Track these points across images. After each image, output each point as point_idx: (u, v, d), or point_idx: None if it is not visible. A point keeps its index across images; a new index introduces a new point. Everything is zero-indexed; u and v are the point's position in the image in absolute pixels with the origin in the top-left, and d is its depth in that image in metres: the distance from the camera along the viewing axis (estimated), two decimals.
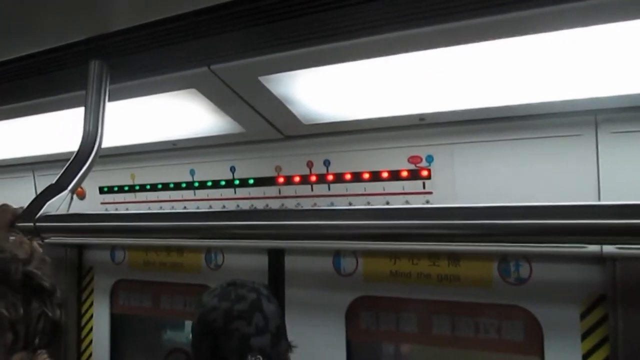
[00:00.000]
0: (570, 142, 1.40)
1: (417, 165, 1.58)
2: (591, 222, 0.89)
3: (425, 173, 1.57)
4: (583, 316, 1.58)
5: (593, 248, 1.40)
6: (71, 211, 1.30)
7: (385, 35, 1.17)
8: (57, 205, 1.20)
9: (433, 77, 1.33)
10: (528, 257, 1.64)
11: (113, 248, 2.52)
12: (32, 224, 1.12)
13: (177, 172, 2.02)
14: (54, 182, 1.23)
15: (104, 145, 1.40)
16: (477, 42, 1.16)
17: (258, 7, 1.17)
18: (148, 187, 2.11)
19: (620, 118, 1.33)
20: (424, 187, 1.58)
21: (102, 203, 2.27)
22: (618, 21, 1.03)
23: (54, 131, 1.96)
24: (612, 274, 1.48)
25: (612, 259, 1.46)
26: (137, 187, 2.14)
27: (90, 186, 2.27)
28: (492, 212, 0.94)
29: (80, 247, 2.63)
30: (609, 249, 1.39)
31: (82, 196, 2.30)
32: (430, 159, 1.57)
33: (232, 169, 1.90)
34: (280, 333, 1.28)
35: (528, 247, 1.52)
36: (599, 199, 1.36)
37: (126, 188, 2.17)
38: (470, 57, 1.22)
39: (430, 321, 1.82)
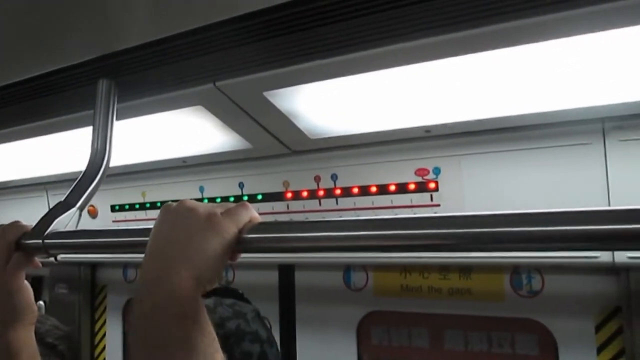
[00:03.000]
0: (579, 150, 1.38)
1: (424, 177, 1.58)
2: (602, 227, 0.87)
3: (432, 185, 1.57)
4: (598, 328, 1.55)
5: (605, 258, 1.38)
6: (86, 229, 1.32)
7: (389, 48, 1.17)
8: (65, 222, 1.21)
9: (438, 89, 1.33)
10: (540, 269, 1.62)
11: (125, 266, 2.54)
12: (40, 240, 1.12)
13: (187, 189, 2.04)
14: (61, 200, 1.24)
15: (114, 163, 1.42)
16: (481, 51, 1.15)
17: (262, 23, 1.18)
18: (158, 204, 2.13)
19: (628, 125, 1.32)
20: (431, 200, 1.57)
21: (113, 221, 2.29)
22: (624, 27, 1.02)
23: (65, 150, 1.98)
24: (626, 285, 1.45)
25: (626, 269, 1.44)
26: (148, 205, 2.16)
27: (102, 204, 2.30)
28: (502, 220, 0.92)
29: (93, 266, 2.65)
30: (621, 258, 1.36)
31: (94, 215, 2.33)
32: (437, 171, 1.56)
33: (241, 185, 1.91)
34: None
35: (540, 258, 1.50)
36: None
37: (137, 206, 2.19)
38: (474, 67, 1.22)
39: (442, 336, 1.80)
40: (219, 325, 1.24)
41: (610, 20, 1.01)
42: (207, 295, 1.41)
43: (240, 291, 1.44)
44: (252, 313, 1.30)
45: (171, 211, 0.79)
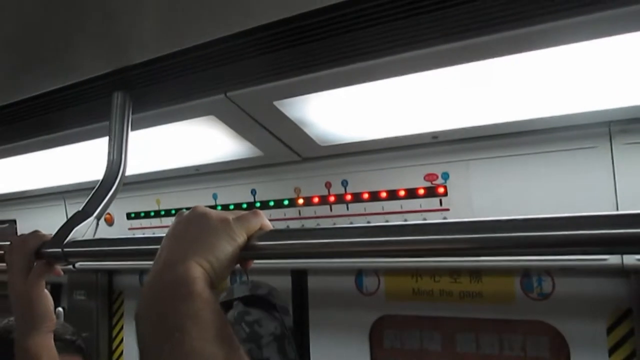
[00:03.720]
0: (585, 154, 1.39)
1: (433, 182, 1.60)
2: (609, 232, 0.88)
3: (441, 190, 1.59)
4: (609, 330, 1.55)
5: (614, 260, 1.38)
6: (100, 237, 1.36)
7: (395, 57, 1.19)
8: (83, 231, 1.25)
9: (444, 95, 1.35)
10: (550, 272, 1.63)
11: (141, 272, 2.59)
12: (60, 249, 1.16)
13: (201, 197, 2.07)
14: (80, 209, 1.29)
15: (129, 172, 1.46)
16: (488, 59, 1.17)
17: (271, 36, 1.21)
18: (173, 212, 2.17)
19: (633, 129, 1.32)
20: (440, 204, 1.59)
21: (129, 229, 2.33)
22: (629, 32, 1.03)
23: (83, 160, 2.03)
24: (637, 288, 1.46)
25: (636, 272, 1.44)
26: (163, 212, 2.20)
27: (118, 213, 2.35)
28: (511, 225, 0.94)
29: (110, 273, 2.70)
30: (630, 261, 1.37)
31: (110, 222, 2.38)
32: (446, 176, 1.58)
33: (253, 192, 1.95)
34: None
35: (550, 261, 1.51)
36: (617, 211, 1.35)
37: (152, 213, 2.24)
38: (481, 73, 1.23)
39: (454, 339, 1.81)
40: None
41: (615, 27, 1.02)
42: (240, 300, 1.44)
43: (274, 301, 1.45)
44: (269, 337, 1.30)
45: (185, 216, 0.84)
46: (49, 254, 1.17)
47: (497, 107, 1.38)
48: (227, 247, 0.78)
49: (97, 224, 1.29)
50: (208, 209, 0.84)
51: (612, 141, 1.36)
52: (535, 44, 1.10)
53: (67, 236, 1.20)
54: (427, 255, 0.80)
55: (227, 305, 1.45)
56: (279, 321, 1.38)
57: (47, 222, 2.20)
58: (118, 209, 2.34)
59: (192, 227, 0.80)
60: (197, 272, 0.73)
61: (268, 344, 1.29)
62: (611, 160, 1.36)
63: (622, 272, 1.47)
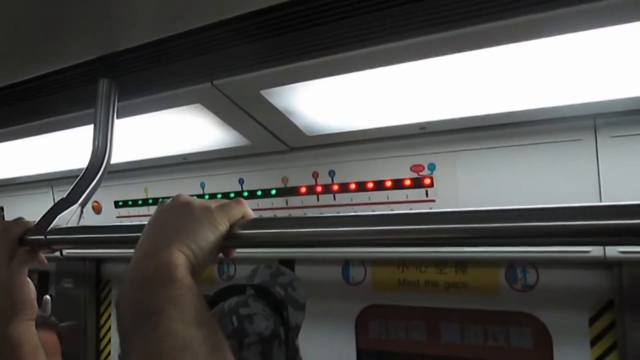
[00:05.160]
0: (571, 147, 1.40)
1: (420, 173, 1.60)
2: (593, 223, 0.89)
3: (427, 181, 1.59)
4: (592, 322, 1.57)
5: (596, 252, 1.40)
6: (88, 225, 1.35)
7: (383, 46, 1.18)
8: (67, 218, 1.24)
9: (432, 86, 1.35)
10: (534, 264, 1.64)
11: (129, 261, 2.58)
12: (43, 236, 1.16)
13: (188, 185, 2.07)
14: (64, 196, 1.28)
15: (117, 160, 1.45)
16: (474, 50, 1.17)
17: (258, 23, 1.21)
18: (161, 200, 2.16)
19: (619, 122, 1.33)
20: (426, 195, 1.60)
21: (117, 217, 2.33)
22: (615, 24, 1.03)
23: (70, 148, 2.02)
24: (618, 280, 1.47)
25: (618, 264, 1.46)
26: (151, 201, 2.20)
27: (106, 201, 2.34)
28: (496, 215, 0.94)
29: (98, 261, 2.70)
30: (612, 253, 1.38)
31: (98, 211, 2.37)
32: (432, 167, 1.58)
33: (241, 181, 1.94)
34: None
35: (534, 253, 1.52)
36: (600, 202, 1.36)
37: (140, 202, 2.23)
38: (468, 64, 1.23)
39: (438, 329, 1.83)
40: None
41: (602, 19, 1.02)
42: (235, 290, 1.39)
43: (280, 297, 1.38)
44: (254, 337, 1.23)
45: (167, 204, 0.84)
46: (32, 240, 1.16)
47: (485, 99, 1.39)
48: (209, 235, 0.78)
49: (82, 212, 1.29)
50: (190, 197, 0.84)
51: (597, 134, 1.37)
52: (522, 35, 1.10)
53: (50, 223, 1.20)
54: (412, 245, 0.80)
55: (239, 289, 1.40)
56: (276, 319, 1.30)
57: (34, 209, 2.18)
58: (106, 197, 2.32)
59: (175, 215, 0.80)
60: (180, 259, 0.73)
61: (250, 344, 1.23)
62: (595, 153, 1.37)
63: (604, 264, 1.48)
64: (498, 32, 1.09)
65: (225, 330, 1.22)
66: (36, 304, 1.19)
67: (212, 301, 1.38)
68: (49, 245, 1.16)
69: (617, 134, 1.34)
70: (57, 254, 2.47)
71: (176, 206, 0.82)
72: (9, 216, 2.81)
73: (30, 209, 2.36)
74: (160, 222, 0.81)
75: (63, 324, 2.53)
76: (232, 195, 1.97)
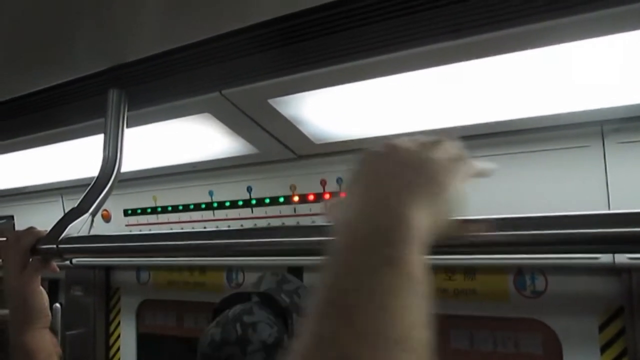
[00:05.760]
0: (578, 153, 1.40)
1: None
2: (601, 231, 0.89)
3: None
4: (601, 328, 1.56)
5: (605, 259, 1.39)
6: (98, 233, 1.37)
7: (391, 55, 1.19)
8: (78, 227, 1.26)
9: (439, 94, 1.36)
10: (543, 270, 1.64)
11: (138, 269, 2.60)
12: (54, 245, 1.17)
13: (197, 194, 2.08)
14: (75, 206, 1.30)
15: (126, 169, 1.47)
16: (481, 58, 1.17)
17: (266, 34, 1.22)
18: (169, 208, 2.18)
19: (626, 128, 1.33)
20: None
21: (127, 225, 2.34)
22: (622, 32, 1.04)
23: (81, 157, 2.04)
24: (628, 286, 1.46)
25: (627, 270, 1.45)
26: (159, 209, 2.21)
27: (116, 209, 2.35)
28: (504, 223, 0.95)
29: (107, 269, 2.71)
30: (621, 259, 1.38)
31: (107, 219, 2.39)
32: None
33: (249, 189, 1.95)
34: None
35: (542, 259, 1.52)
36: (609, 210, 1.36)
37: (149, 210, 2.24)
38: (474, 72, 1.24)
39: (447, 335, 1.82)
40: (216, 346, 1.23)
41: (609, 26, 1.03)
42: (240, 298, 1.38)
43: (284, 304, 1.35)
44: (257, 345, 1.22)
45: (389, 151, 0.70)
46: (44, 250, 1.18)
47: (490, 106, 1.39)
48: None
49: (92, 221, 1.31)
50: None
51: (605, 140, 1.36)
52: (528, 43, 1.10)
53: (62, 232, 1.22)
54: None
55: (245, 297, 1.39)
56: (280, 327, 1.28)
57: (44, 218, 2.21)
58: (115, 206, 2.34)
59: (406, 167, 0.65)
60: (421, 217, 0.59)
61: (254, 352, 1.21)
62: (603, 160, 1.37)
63: (613, 270, 1.48)
64: (504, 40, 1.09)
65: (228, 338, 1.23)
66: (49, 312, 1.21)
67: (219, 309, 1.38)
68: (60, 254, 1.18)
69: (625, 140, 1.34)
70: (67, 262, 2.50)
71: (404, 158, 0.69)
72: (19, 224, 2.83)
73: (40, 218, 2.39)
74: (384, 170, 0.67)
75: (72, 332, 2.56)
76: (240, 203, 1.98)
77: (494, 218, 1.00)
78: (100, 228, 2.36)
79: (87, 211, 1.30)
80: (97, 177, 1.37)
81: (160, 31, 1.27)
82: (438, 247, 0.80)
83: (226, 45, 1.26)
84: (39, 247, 1.18)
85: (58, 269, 1.26)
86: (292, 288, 1.47)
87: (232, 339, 1.23)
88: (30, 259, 1.20)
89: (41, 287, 1.21)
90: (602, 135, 1.36)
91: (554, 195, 1.44)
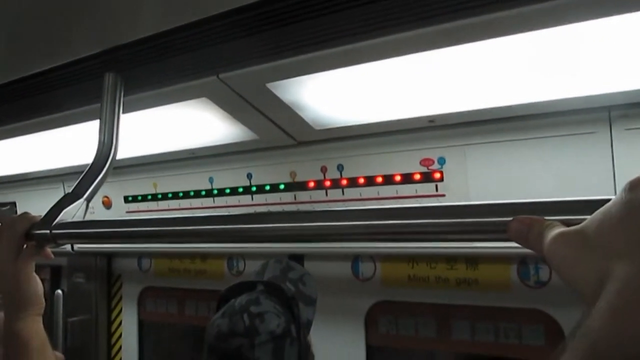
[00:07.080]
0: (584, 139, 1.36)
1: (429, 167, 1.57)
2: None
3: (437, 175, 1.56)
4: None
5: None
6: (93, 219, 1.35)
7: (392, 37, 1.16)
8: (72, 213, 1.24)
9: (441, 78, 1.32)
10: None
11: (140, 256, 2.59)
12: (48, 231, 1.15)
13: (197, 180, 2.06)
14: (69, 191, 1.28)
15: (125, 155, 1.45)
16: (486, 39, 1.14)
17: (263, 14, 1.19)
18: (170, 195, 2.16)
19: (633, 114, 1.29)
20: (436, 190, 1.57)
21: (127, 212, 2.33)
22: (630, 13, 1.00)
23: (81, 143, 2.02)
24: None
25: None
26: (160, 196, 2.19)
27: (116, 196, 2.34)
28: (508, 209, 0.92)
29: (109, 256, 2.71)
30: None
31: (108, 206, 2.37)
32: (442, 161, 1.55)
33: (249, 176, 1.93)
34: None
35: None
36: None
37: (149, 197, 2.23)
38: (479, 56, 1.20)
39: (449, 326, 1.80)
40: (224, 338, 1.21)
41: (616, 6, 0.99)
42: (246, 287, 1.35)
43: (290, 294, 1.33)
44: (266, 336, 1.20)
45: None
46: (38, 235, 1.16)
47: (495, 91, 1.35)
48: None
49: (87, 206, 1.28)
50: None
51: (612, 126, 1.33)
52: (534, 24, 1.06)
53: (56, 218, 1.20)
54: (418, 240, 0.78)
55: (250, 286, 1.36)
56: (287, 317, 1.26)
57: (46, 204, 2.20)
58: (115, 193, 2.33)
59: None
60: None
61: (263, 343, 1.19)
62: (610, 146, 1.33)
63: None
64: (509, 21, 1.05)
65: (236, 329, 1.21)
66: (43, 299, 1.19)
67: (223, 298, 1.37)
68: (54, 239, 1.16)
69: (633, 126, 1.30)
70: (69, 249, 2.49)
71: None
72: (21, 211, 2.83)
73: (42, 205, 2.37)
74: None
75: (74, 319, 2.56)
76: (240, 190, 1.96)
77: (496, 203, 0.97)
78: (102, 214, 2.35)
79: (82, 196, 1.28)
80: (93, 163, 1.34)
81: (156, 11, 1.23)
82: (434, 233, 0.78)
83: (223, 26, 1.23)
84: (33, 233, 1.16)
85: (52, 256, 1.23)
86: (297, 276, 1.45)
87: (240, 330, 1.20)
88: (25, 245, 1.18)
89: (35, 274, 1.19)
90: (610, 122, 1.33)
91: (559, 182, 1.41)
